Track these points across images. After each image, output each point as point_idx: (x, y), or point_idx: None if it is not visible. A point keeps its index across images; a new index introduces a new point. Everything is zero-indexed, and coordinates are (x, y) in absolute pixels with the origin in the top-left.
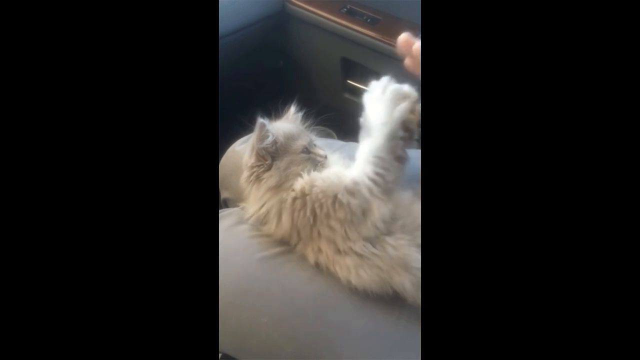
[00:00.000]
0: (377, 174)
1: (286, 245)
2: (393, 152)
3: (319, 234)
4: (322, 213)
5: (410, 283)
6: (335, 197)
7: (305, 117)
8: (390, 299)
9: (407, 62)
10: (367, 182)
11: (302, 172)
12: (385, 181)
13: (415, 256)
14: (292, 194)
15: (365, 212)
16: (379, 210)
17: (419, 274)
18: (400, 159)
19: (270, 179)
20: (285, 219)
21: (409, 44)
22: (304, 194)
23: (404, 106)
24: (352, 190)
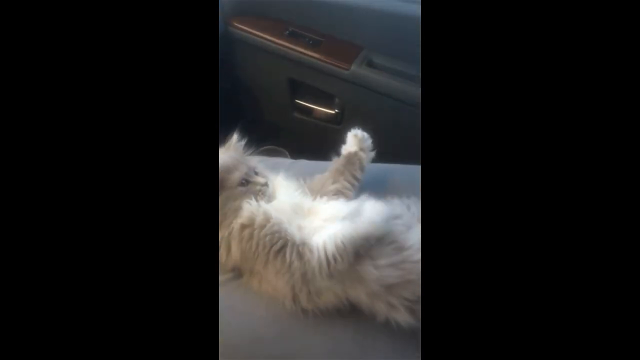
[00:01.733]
0: (334, 257)
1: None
2: (356, 250)
3: (260, 270)
4: (264, 253)
5: (365, 295)
6: (283, 246)
7: (249, 144)
8: (346, 315)
9: None
10: (322, 257)
11: (241, 206)
12: (336, 267)
13: (367, 268)
14: (240, 221)
15: (304, 277)
16: (319, 283)
17: (373, 285)
18: (358, 258)
19: None
20: (235, 248)
21: None
22: (252, 224)
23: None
24: (302, 254)
